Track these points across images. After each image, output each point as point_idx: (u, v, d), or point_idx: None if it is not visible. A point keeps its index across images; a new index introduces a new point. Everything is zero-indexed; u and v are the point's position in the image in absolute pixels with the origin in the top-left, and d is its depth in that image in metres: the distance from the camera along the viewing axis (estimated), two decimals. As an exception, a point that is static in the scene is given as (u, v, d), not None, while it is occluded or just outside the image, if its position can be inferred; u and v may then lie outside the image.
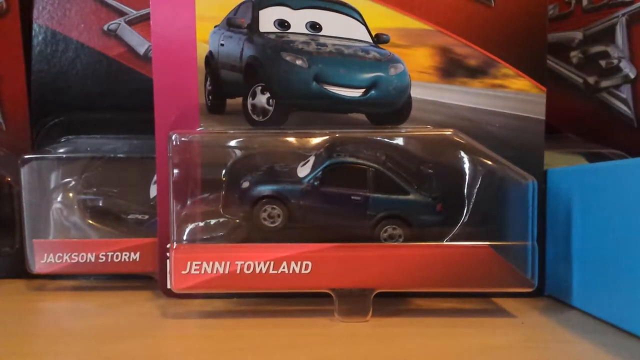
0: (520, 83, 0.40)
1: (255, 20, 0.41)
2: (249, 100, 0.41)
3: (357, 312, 0.36)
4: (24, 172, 0.45)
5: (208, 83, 0.41)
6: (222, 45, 0.41)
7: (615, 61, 0.50)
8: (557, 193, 0.40)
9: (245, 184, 0.40)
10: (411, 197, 0.39)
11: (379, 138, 0.40)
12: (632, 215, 0.32)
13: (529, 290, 0.36)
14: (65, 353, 0.31)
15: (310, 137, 0.40)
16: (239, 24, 0.41)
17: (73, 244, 0.44)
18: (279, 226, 0.39)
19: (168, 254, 0.37)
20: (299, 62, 0.40)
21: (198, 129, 0.41)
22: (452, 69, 0.41)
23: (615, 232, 0.33)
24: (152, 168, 0.42)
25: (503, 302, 0.40)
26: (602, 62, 0.50)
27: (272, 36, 0.41)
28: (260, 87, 0.41)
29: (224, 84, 0.41)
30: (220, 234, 0.40)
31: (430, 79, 0.41)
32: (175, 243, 0.37)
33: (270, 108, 0.41)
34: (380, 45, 0.41)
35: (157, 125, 0.40)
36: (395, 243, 0.38)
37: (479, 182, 0.39)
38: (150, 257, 0.43)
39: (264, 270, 0.36)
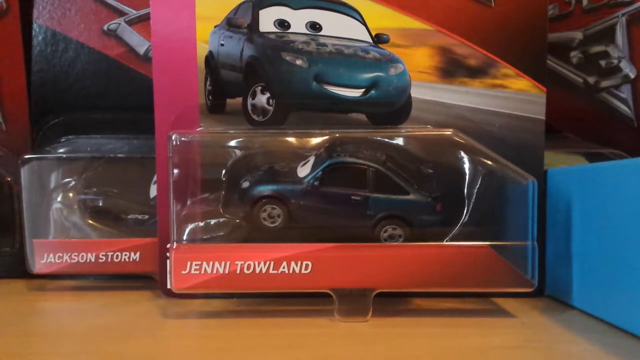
0: (520, 83, 0.40)
1: (255, 20, 0.41)
2: (249, 100, 0.41)
3: (357, 312, 0.36)
4: (24, 172, 0.45)
5: (208, 83, 0.41)
6: (222, 45, 0.41)
7: (615, 61, 0.50)
8: (557, 193, 0.40)
9: (245, 184, 0.40)
10: (411, 197, 0.39)
11: (379, 138, 0.40)
12: (632, 215, 0.32)
13: (529, 290, 0.36)
14: (65, 353, 0.31)
15: (310, 137, 0.40)
16: (239, 24, 0.41)
17: (73, 244, 0.44)
18: (279, 226, 0.39)
19: (168, 254, 0.37)
20: (299, 62, 0.40)
21: (198, 129, 0.41)
22: (452, 69, 0.41)
23: (615, 232, 0.33)
24: (152, 168, 0.42)
25: (503, 302, 0.40)
26: (602, 62, 0.50)
27: (272, 36, 0.41)
28: (260, 87, 0.41)
29: (224, 84, 0.41)
30: (220, 234, 0.40)
31: (430, 79, 0.41)
32: (175, 243, 0.37)
33: (270, 108, 0.41)
34: (380, 45, 0.41)
35: (157, 125, 0.40)
36: (395, 243, 0.38)
37: (479, 182, 0.39)
38: (150, 257, 0.43)
39: (264, 270, 0.36)
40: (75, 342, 0.33)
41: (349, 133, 0.40)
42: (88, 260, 0.44)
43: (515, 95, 0.40)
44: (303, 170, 0.39)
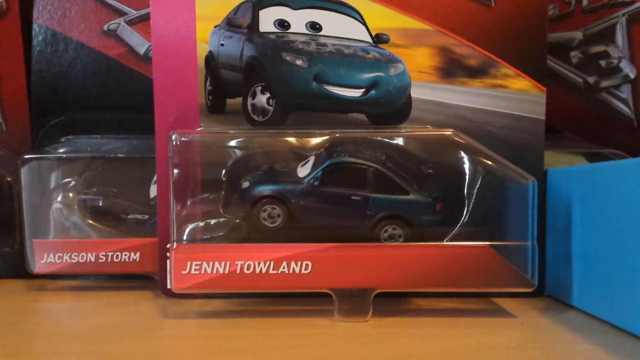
0: (520, 83, 0.40)
1: (255, 20, 0.41)
2: (249, 100, 0.41)
3: (357, 312, 0.36)
4: (24, 172, 0.45)
5: (208, 83, 0.41)
6: (222, 45, 0.41)
7: (615, 61, 0.50)
8: (557, 193, 0.40)
9: (245, 184, 0.40)
10: (411, 197, 0.39)
11: (379, 138, 0.40)
12: (632, 215, 0.32)
13: (529, 290, 0.36)
14: (65, 353, 0.31)
15: (310, 137, 0.40)
16: (239, 24, 0.41)
17: (73, 244, 0.44)
18: (279, 226, 0.39)
19: (168, 254, 0.37)
20: (299, 62, 0.40)
21: (198, 129, 0.41)
22: (452, 69, 0.41)
23: (615, 232, 0.33)
24: (152, 168, 0.42)
25: (503, 302, 0.40)
26: (602, 62, 0.50)
27: (272, 36, 0.41)
28: (260, 87, 0.41)
29: (224, 84, 0.41)
30: (220, 234, 0.40)
31: (430, 79, 0.41)
32: (175, 243, 0.37)
33: (270, 108, 0.41)
34: (380, 45, 0.41)
35: (157, 125, 0.40)
36: (395, 243, 0.38)
37: (479, 182, 0.39)
38: (150, 257, 0.43)
39: (264, 270, 0.36)
40: (75, 342, 0.33)
41: (349, 133, 0.40)
42: (88, 260, 0.44)
43: (515, 95, 0.40)
44: (303, 170, 0.39)
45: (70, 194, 0.47)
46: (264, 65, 0.41)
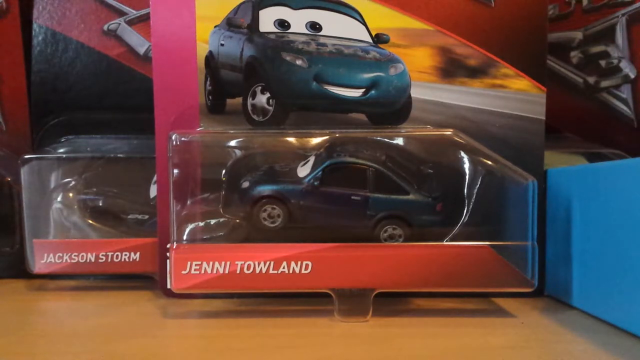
0: (520, 83, 0.40)
1: (255, 20, 0.41)
2: (249, 100, 0.41)
3: (357, 312, 0.36)
4: (24, 172, 0.45)
5: (208, 83, 0.41)
6: (222, 45, 0.41)
7: (615, 61, 0.50)
8: (557, 193, 0.40)
9: (245, 184, 0.40)
10: (411, 197, 0.39)
11: (379, 138, 0.40)
12: (632, 215, 0.32)
13: (529, 290, 0.36)
14: (65, 353, 0.31)
15: (310, 137, 0.40)
16: (239, 24, 0.41)
17: (73, 244, 0.44)
18: (279, 226, 0.39)
19: (168, 254, 0.37)
20: (299, 62, 0.40)
21: (198, 129, 0.41)
22: (452, 69, 0.41)
23: (615, 232, 0.33)
24: (152, 168, 0.42)
25: (503, 302, 0.40)
26: (602, 62, 0.50)
27: (272, 36, 0.41)
28: (260, 87, 0.41)
29: (224, 84, 0.41)
30: (220, 234, 0.40)
31: (430, 79, 0.41)
32: (175, 243, 0.37)
33: (270, 108, 0.41)
34: (380, 45, 0.41)
35: (157, 125, 0.40)
36: (395, 243, 0.38)
37: (479, 182, 0.39)
38: (150, 257, 0.43)
39: (264, 270, 0.36)
40: (75, 342, 0.33)
41: (349, 133, 0.40)
42: (88, 260, 0.44)
43: (515, 95, 0.40)
44: (303, 170, 0.39)
45: (70, 194, 0.47)
46: (264, 65, 0.41)
